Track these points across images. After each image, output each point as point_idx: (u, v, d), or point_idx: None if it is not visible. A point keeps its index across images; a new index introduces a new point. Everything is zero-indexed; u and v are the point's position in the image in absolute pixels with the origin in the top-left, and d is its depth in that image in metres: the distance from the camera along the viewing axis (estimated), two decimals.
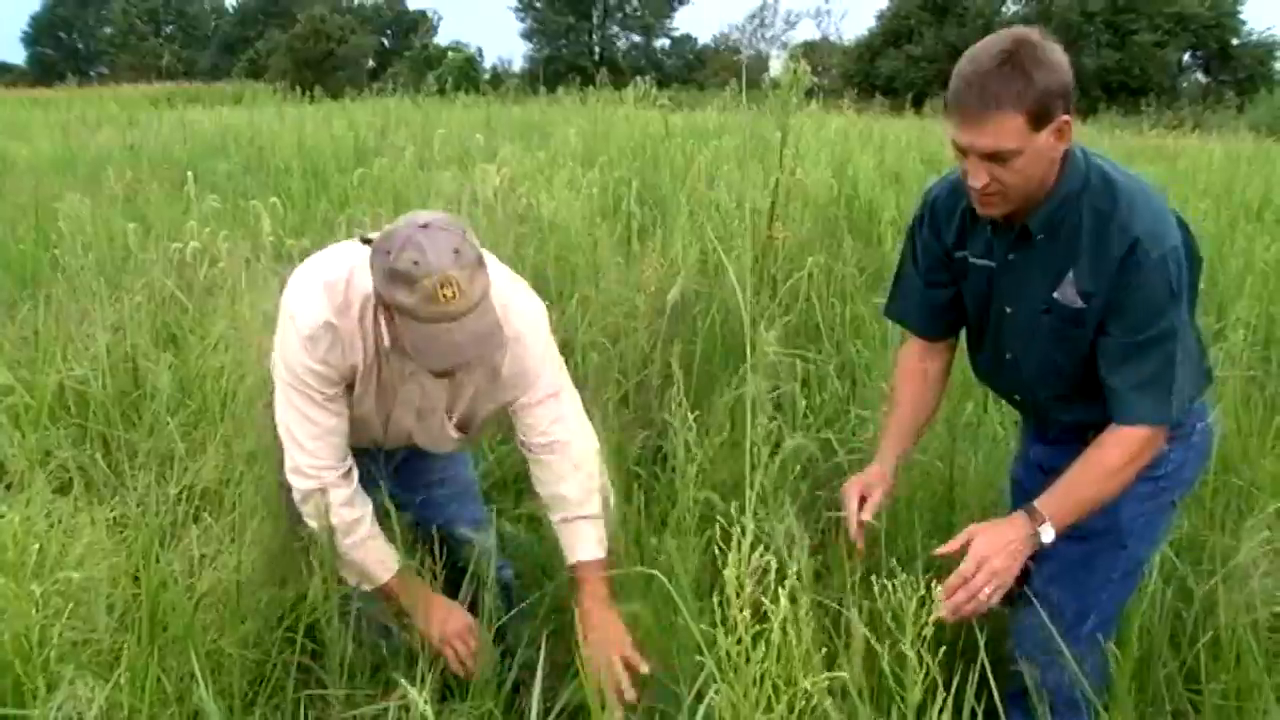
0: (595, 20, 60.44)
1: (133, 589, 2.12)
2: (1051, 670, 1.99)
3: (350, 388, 2.14)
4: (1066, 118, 1.80)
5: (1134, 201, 1.87)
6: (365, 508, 2.18)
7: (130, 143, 9.71)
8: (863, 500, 2.15)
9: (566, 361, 2.36)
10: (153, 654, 1.93)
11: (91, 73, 63.24)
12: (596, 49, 60.06)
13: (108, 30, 72.87)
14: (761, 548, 1.45)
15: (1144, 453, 1.92)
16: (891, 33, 40.48)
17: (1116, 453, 1.92)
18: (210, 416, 3.02)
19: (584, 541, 2.20)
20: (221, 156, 8.83)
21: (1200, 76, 40.63)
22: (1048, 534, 1.92)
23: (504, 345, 2.05)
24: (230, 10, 72.92)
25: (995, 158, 1.81)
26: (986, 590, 1.86)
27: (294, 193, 7.04)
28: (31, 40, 74.87)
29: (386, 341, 2.03)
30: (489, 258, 2.03)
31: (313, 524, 2.13)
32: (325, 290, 2.03)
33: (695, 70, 52.90)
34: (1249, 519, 2.53)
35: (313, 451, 2.11)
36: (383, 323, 2.00)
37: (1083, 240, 1.90)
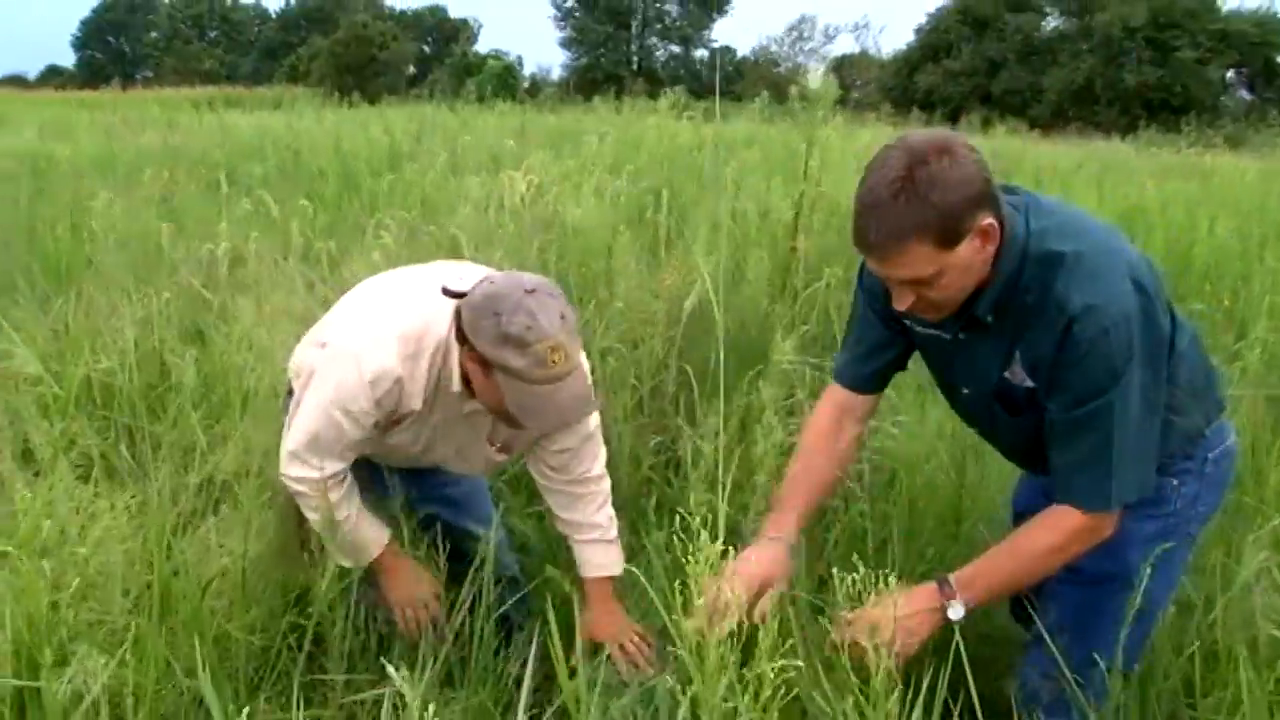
0: (634, 30, 60.69)
1: (148, 574, 2.18)
2: (1057, 712, 1.97)
3: (391, 424, 2.22)
4: (989, 221, 1.71)
5: (1074, 273, 1.76)
6: (350, 506, 2.27)
7: (170, 144, 9.88)
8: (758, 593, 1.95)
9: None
10: (162, 635, 1.99)
11: (137, 76, 64.07)
12: (635, 59, 60.29)
13: (154, 35, 73.90)
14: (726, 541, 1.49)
15: (1076, 542, 1.86)
16: (930, 47, 40.38)
17: (1045, 538, 1.87)
18: (231, 411, 3.09)
19: (600, 559, 2.40)
20: (258, 159, 8.96)
21: (1245, 94, 40.22)
22: (956, 612, 1.86)
23: (596, 406, 2.18)
24: (273, 16, 73.72)
25: (916, 283, 1.76)
26: (881, 661, 1.66)
27: (326, 196, 7.13)
28: (81, 44, 76.09)
29: (454, 387, 2.13)
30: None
31: (309, 510, 2.23)
32: (399, 340, 2.09)
33: (734, 82, 52.93)
34: (1250, 534, 2.53)
35: (324, 457, 2.19)
36: (453, 369, 2.12)
37: (1026, 318, 1.81)
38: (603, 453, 2.45)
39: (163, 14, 73.49)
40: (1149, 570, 1.86)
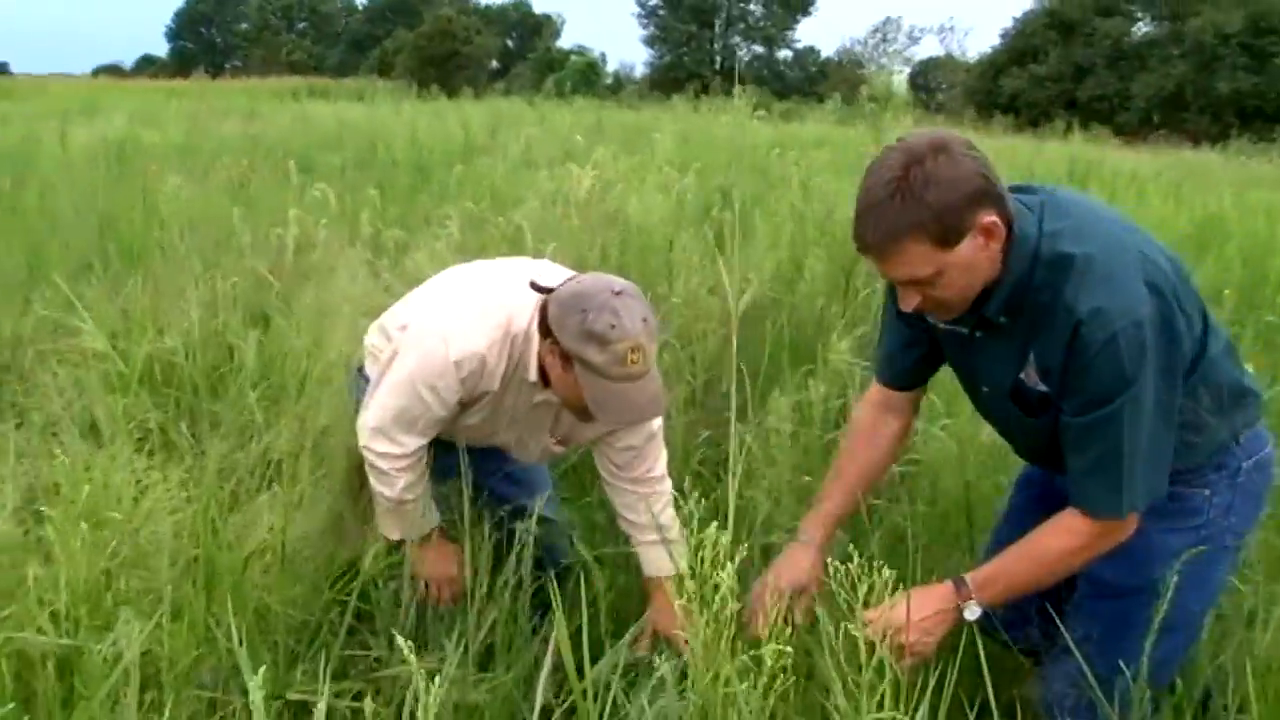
0: (717, 30, 60.58)
1: (195, 546, 2.25)
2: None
3: (468, 405, 2.31)
4: (990, 218, 1.71)
5: (1085, 276, 1.73)
6: (422, 487, 2.39)
7: (250, 133, 10.10)
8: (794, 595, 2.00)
9: None
10: (206, 604, 2.05)
11: (226, 66, 65.43)
12: (717, 58, 60.18)
13: (244, 26, 75.41)
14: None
15: (1090, 547, 1.84)
16: (1016, 51, 39.72)
17: (1060, 542, 1.86)
18: (288, 393, 3.16)
19: (660, 560, 2.45)
20: (335, 149, 9.13)
21: None
22: (972, 612, 1.87)
23: (666, 407, 2.29)
24: (360, 8, 74.82)
25: (918, 283, 1.77)
26: (904, 662, 1.76)
27: (399, 186, 7.25)
28: (174, 35, 77.92)
29: (530, 376, 2.23)
30: None
31: (381, 485, 2.35)
32: (485, 325, 2.20)
33: (817, 83, 52.64)
34: None
35: (407, 433, 2.29)
36: (529, 359, 2.22)
37: (1038, 320, 1.79)
38: (664, 455, 2.51)
39: (253, 5, 74.97)
40: (1176, 582, 1.82)
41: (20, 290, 4.06)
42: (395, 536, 2.40)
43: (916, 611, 1.80)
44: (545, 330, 2.14)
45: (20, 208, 5.63)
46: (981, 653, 1.72)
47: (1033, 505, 2.14)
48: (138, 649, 1.64)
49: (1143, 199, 7.16)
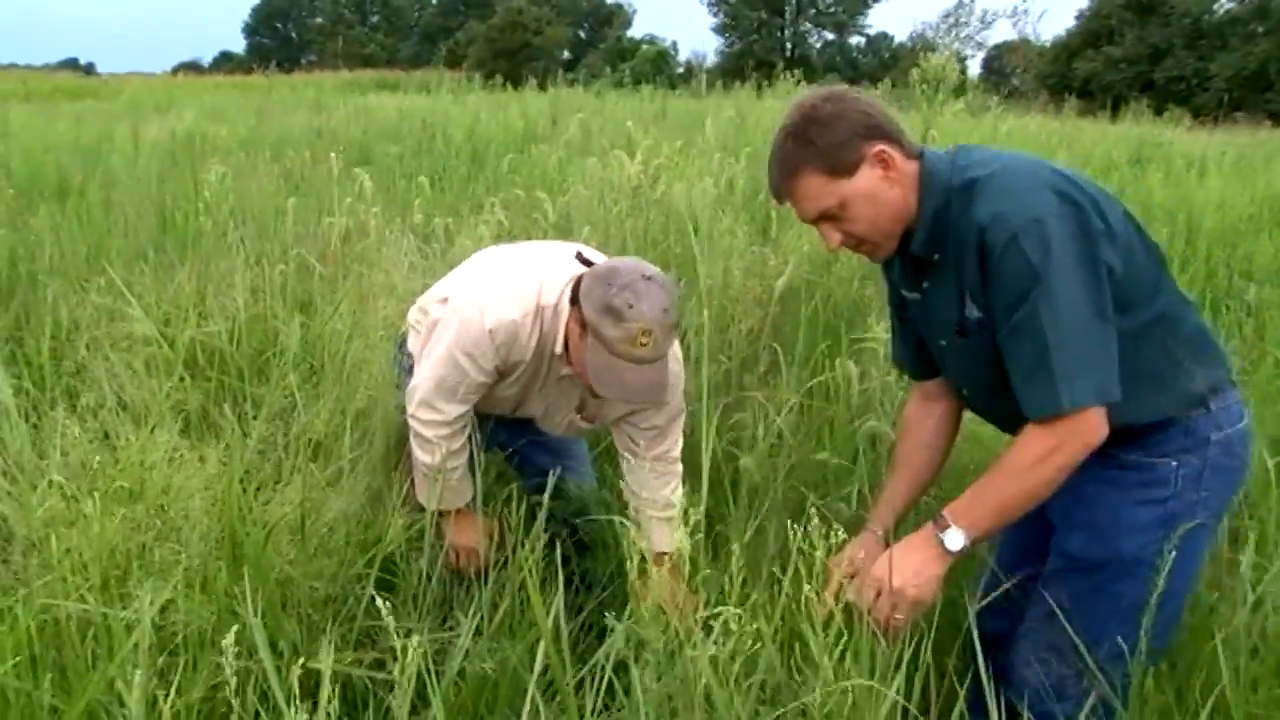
0: (787, 17, 60.13)
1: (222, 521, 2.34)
2: (1046, 699, 1.94)
3: (504, 375, 2.42)
4: (881, 148, 1.84)
5: (986, 189, 1.80)
6: (462, 457, 2.50)
7: (314, 126, 10.28)
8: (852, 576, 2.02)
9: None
10: (231, 577, 2.13)
11: (302, 60, 66.40)
12: (788, 45, 59.77)
13: (318, 20, 76.46)
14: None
15: (1057, 450, 1.78)
16: (1091, 33, 38.90)
17: (1025, 452, 1.81)
18: (327, 375, 3.25)
19: (665, 536, 2.51)
20: (395, 140, 9.27)
21: None
22: (953, 540, 1.85)
23: (665, 401, 2.38)
24: (433, 1, 75.48)
25: (828, 217, 1.89)
26: (899, 616, 1.83)
27: (454, 175, 7.34)
28: (251, 31, 79.28)
29: (557, 348, 2.34)
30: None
31: (423, 454, 2.46)
32: (518, 296, 2.33)
33: (890, 69, 52.05)
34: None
35: (449, 400, 2.41)
36: (558, 331, 2.33)
37: (961, 250, 1.84)
38: (681, 437, 2.59)
39: (327, 0, 76.03)
40: (1147, 559, 1.83)
41: (79, 279, 4.20)
42: (433, 506, 2.49)
43: (901, 560, 1.85)
44: (575, 299, 2.25)
45: (86, 200, 5.81)
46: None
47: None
48: (149, 616, 1.71)
49: (1203, 179, 7.02)
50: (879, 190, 1.86)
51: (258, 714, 1.83)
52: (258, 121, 10.95)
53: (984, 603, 1.98)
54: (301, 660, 1.59)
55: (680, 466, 2.57)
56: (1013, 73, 50.19)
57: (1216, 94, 31.84)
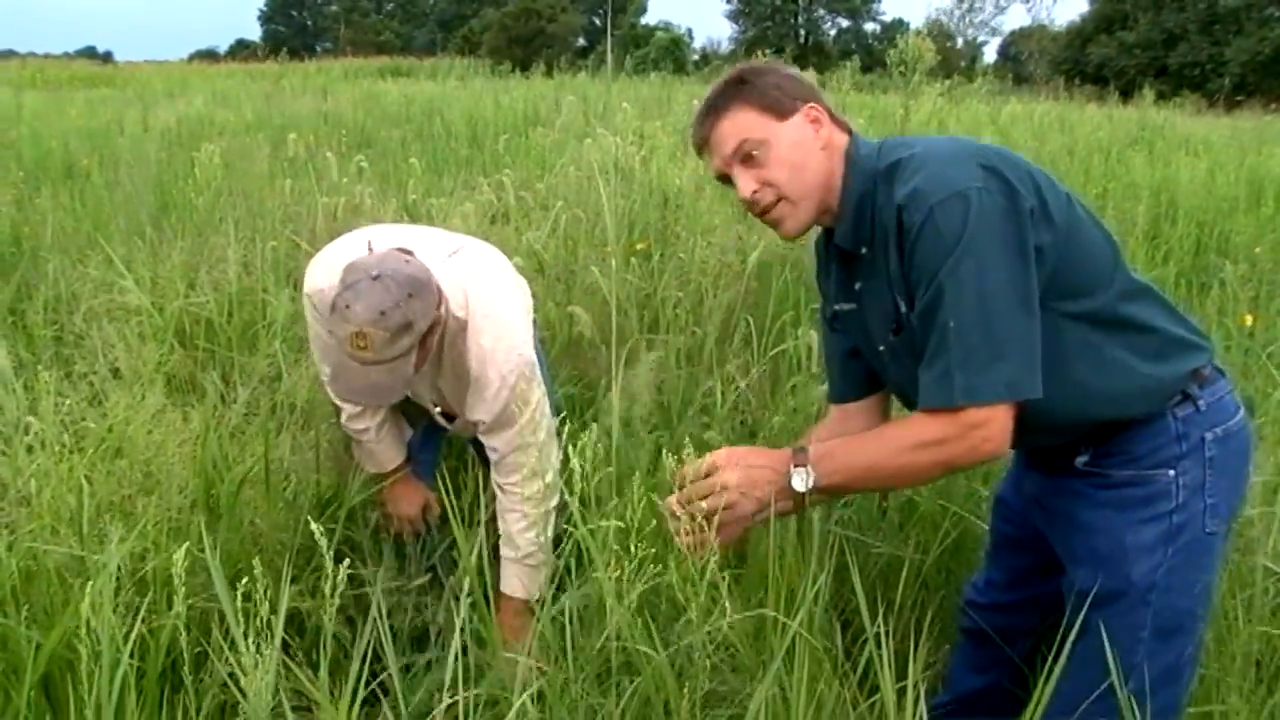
0: (801, 3, 60.01)
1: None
2: None
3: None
4: (815, 107, 1.76)
5: (907, 168, 1.66)
6: (370, 420, 2.56)
7: (320, 110, 10.43)
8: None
9: (651, 314, 2.59)
10: (209, 525, 2.27)
11: (317, 48, 66.54)
12: (802, 32, 59.66)
13: (333, 8, 76.56)
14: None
15: (937, 443, 1.61)
16: (1104, 18, 38.73)
17: (908, 431, 1.66)
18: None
19: (509, 576, 2.38)
20: (397, 125, 9.41)
21: None
22: (799, 480, 1.68)
23: (392, 399, 2.20)
24: None
25: (748, 161, 1.76)
26: (704, 505, 1.67)
27: (452, 157, 7.48)
28: (266, 18, 79.48)
29: None
30: (493, 267, 2.43)
31: (343, 419, 2.56)
32: (328, 264, 2.34)
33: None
34: None
35: (324, 361, 2.51)
36: None
37: (885, 238, 1.68)
38: (541, 483, 2.29)
39: None
40: (1159, 582, 1.70)
41: (80, 254, 4.36)
42: (367, 469, 2.61)
43: (746, 466, 1.70)
44: None
45: (91, 181, 5.97)
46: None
47: (1006, 514, 2.12)
48: (116, 558, 1.84)
49: (1192, 160, 7.10)
50: (807, 142, 1.75)
51: (222, 649, 1.95)
52: (264, 106, 11.11)
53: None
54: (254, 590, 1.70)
55: (534, 509, 2.31)
56: (1027, 58, 49.95)
57: (1232, 78, 31.72)
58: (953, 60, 36.61)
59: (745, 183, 1.77)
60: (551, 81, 16.12)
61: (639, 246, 4.27)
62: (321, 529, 1.78)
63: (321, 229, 4.43)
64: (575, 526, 1.69)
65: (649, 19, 63.84)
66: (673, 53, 36.16)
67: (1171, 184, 6.35)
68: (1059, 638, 1.61)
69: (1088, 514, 1.79)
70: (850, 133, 1.82)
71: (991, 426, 1.58)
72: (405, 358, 2.09)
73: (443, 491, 2.06)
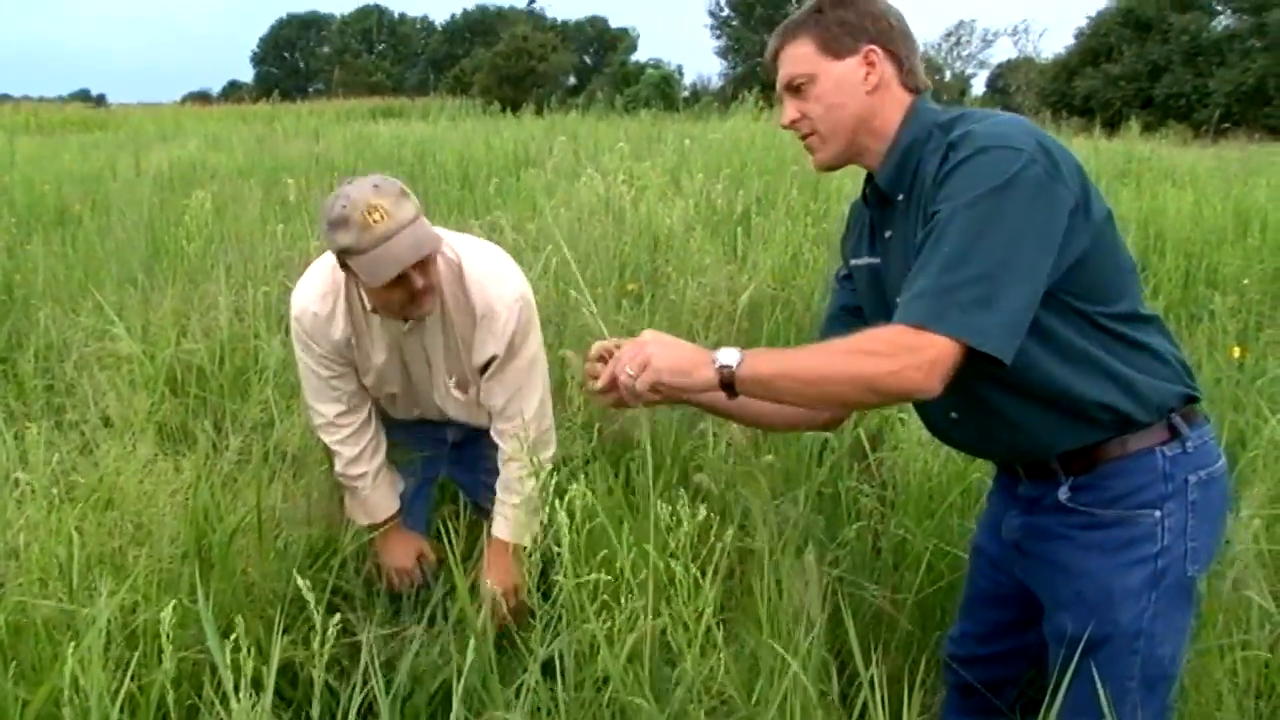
0: None
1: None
2: None
3: (348, 357, 2.48)
4: (872, 47, 1.76)
5: (968, 121, 1.67)
6: (368, 465, 2.56)
7: (312, 153, 10.47)
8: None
9: None
10: (202, 576, 2.26)
11: (310, 89, 66.88)
12: None
13: (325, 49, 77.01)
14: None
15: (882, 357, 1.53)
16: (1090, 51, 38.99)
17: (850, 339, 1.59)
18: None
19: (501, 523, 2.51)
20: (389, 166, 9.44)
21: None
22: (727, 355, 1.60)
23: (439, 245, 2.24)
24: (438, 28, 75.98)
25: (796, 90, 1.82)
26: (628, 370, 1.63)
27: (444, 199, 7.51)
28: (259, 60, 79.91)
29: (368, 305, 2.36)
30: (476, 241, 2.47)
31: (336, 462, 2.56)
32: (314, 282, 2.41)
33: None
34: None
35: (318, 400, 2.53)
36: (360, 294, 2.35)
37: (926, 190, 1.66)
38: (538, 429, 2.45)
39: (334, 29, 76.65)
40: (1144, 630, 1.69)
41: (72, 302, 4.36)
42: (360, 521, 2.59)
43: (669, 336, 1.69)
44: (343, 265, 2.25)
45: (83, 227, 5.99)
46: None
47: (984, 567, 2.07)
48: (106, 612, 1.83)
49: (1179, 193, 7.15)
50: (851, 83, 1.77)
51: (213, 703, 1.93)
52: (257, 149, 11.15)
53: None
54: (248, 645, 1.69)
55: (537, 457, 2.27)
56: (1015, 91, 50.30)
57: (1216, 109, 31.96)
58: (942, 92, 36.88)
59: (788, 110, 1.84)
60: (542, 121, 16.20)
61: (630, 288, 4.29)
62: (309, 584, 1.77)
63: None
64: (565, 577, 1.69)
65: (639, 56, 64.27)
66: (663, 90, 36.34)
67: (1159, 216, 6.39)
68: (1051, 686, 1.60)
69: (1072, 556, 1.76)
70: (917, 92, 1.82)
71: (926, 355, 1.50)
72: (419, 221, 2.14)
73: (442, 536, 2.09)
